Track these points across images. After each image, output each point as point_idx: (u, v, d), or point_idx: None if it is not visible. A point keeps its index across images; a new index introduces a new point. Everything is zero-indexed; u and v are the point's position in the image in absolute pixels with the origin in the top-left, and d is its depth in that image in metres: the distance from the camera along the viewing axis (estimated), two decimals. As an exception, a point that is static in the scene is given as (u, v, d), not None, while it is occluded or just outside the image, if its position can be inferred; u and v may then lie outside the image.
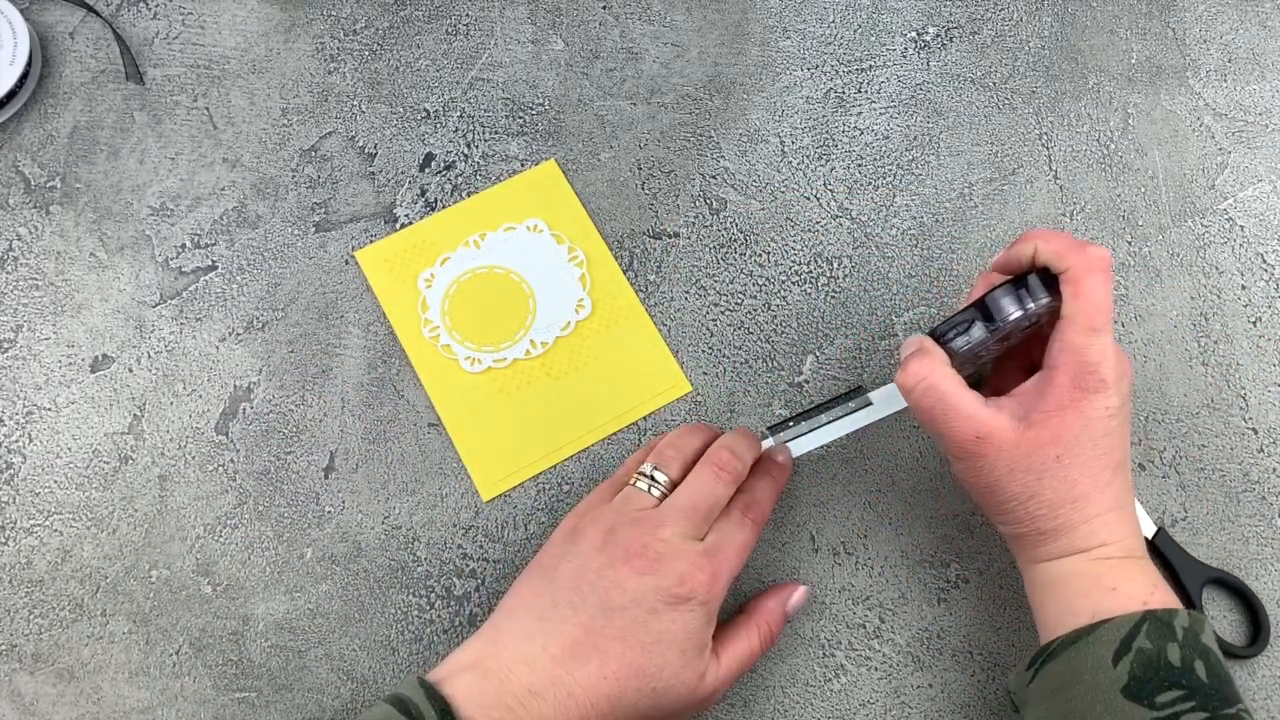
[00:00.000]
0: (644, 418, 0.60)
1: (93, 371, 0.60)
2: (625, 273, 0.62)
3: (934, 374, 0.49)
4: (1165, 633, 0.45)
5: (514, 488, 0.58)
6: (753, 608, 0.54)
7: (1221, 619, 0.56)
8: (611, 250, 0.63)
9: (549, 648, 0.47)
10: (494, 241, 0.63)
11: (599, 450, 0.59)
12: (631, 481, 0.52)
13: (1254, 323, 0.62)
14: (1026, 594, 0.51)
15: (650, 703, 0.47)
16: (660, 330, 0.61)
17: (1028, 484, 0.48)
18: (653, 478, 0.52)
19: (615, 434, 0.59)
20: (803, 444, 0.57)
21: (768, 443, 0.56)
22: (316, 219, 0.63)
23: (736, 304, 0.62)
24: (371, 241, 0.63)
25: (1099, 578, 0.48)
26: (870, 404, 0.57)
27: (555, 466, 0.59)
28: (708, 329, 0.62)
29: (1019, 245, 0.51)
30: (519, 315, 0.61)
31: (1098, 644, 0.45)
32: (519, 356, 0.60)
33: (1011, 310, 0.50)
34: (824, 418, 0.57)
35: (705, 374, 0.61)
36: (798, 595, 0.55)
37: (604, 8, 0.69)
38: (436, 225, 0.63)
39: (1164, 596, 0.47)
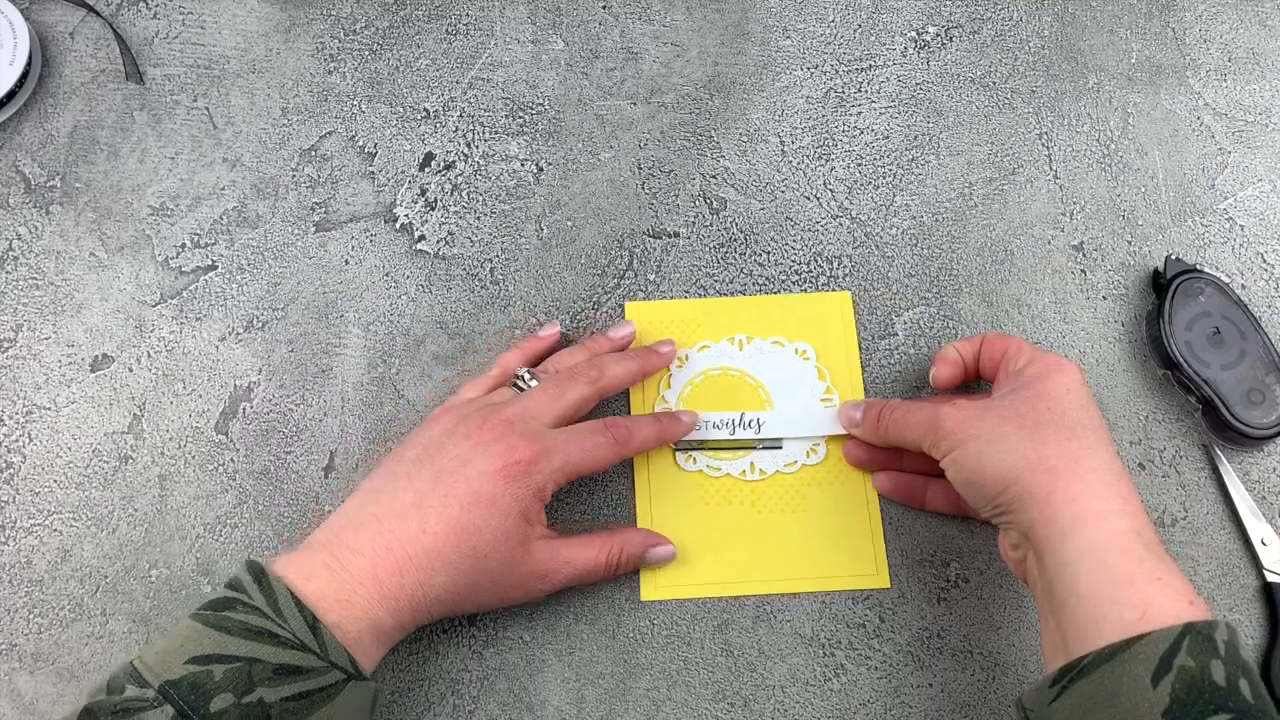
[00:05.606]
0: (829, 592, 0.56)
1: (93, 371, 0.60)
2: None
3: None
4: (1208, 648, 0.41)
5: (674, 600, 0.56)
6: (618, 529, 0.56)
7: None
8: (621, 248, 0.63)
9: (378, 513, 0.49)
10: (757, 349, 0.60)
11: (775, 601, 0.56)
12: (508, 384, 0.56)
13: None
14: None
15: (472, 562, 0.48)
16: (881, 514, 0.57)
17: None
18: (527, 382, 0.55)
19: (795, 594, 0.56)
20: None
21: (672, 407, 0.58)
22: (316, 219, 0.63)
23: (736, 304, 0.62)
24: (372, 240, 0.63)
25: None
26: (780, 447, 0.58)
27: (722, 599, 0.56)
28: (708, 329, 0.62)
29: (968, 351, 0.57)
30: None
31: (1135, 662, 0.41)
32: (733, 474, 0.58)
33: None
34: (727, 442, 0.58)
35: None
36: (664, 549, 0.55)
37: (604, 8, 0.69)
38: (709, 309, 0.61)
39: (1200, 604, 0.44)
